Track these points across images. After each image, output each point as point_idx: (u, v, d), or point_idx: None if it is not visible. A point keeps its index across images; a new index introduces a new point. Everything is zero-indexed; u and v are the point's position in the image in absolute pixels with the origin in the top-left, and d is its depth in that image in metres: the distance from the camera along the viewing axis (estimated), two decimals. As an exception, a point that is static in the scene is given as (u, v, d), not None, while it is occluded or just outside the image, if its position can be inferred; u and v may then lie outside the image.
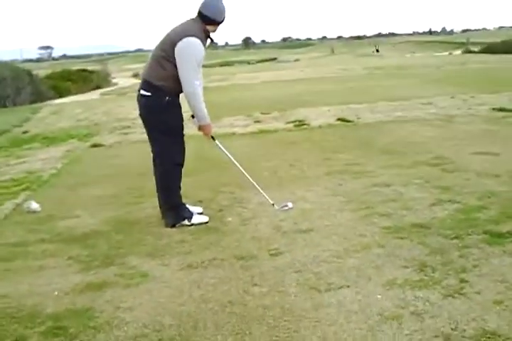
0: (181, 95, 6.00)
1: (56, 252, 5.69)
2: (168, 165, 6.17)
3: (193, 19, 6.01)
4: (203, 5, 5.92)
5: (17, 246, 5.97)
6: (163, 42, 5.98)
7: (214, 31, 6.07)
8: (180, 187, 6.34)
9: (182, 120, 6.16)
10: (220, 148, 6.53)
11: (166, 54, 5.87)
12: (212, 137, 6.40)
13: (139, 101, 6.16)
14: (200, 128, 6.22)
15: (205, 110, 6.04)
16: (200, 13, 5.92)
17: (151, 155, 6.31)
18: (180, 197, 6.34)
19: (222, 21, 6.05)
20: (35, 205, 7.30)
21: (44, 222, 6.81)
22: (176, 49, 5.76)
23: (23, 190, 8.52)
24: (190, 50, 5.78)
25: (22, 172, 10.00)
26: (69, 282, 4.89)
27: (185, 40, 5.75)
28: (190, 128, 6.42)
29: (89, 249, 5.68)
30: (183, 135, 6.20)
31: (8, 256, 5.69)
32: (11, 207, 7.58)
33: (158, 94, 5.94)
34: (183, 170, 6.28)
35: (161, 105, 5.95)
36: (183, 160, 6.24)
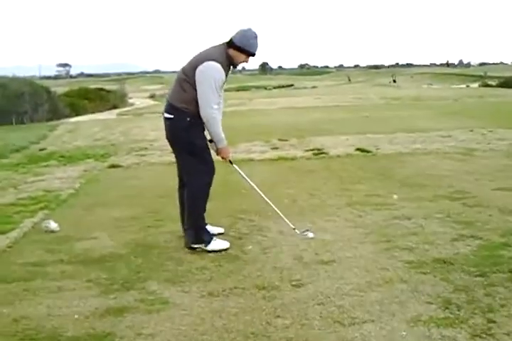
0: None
1: (75, 274, 5.65)
2: (196, 185, 6.20)
3: (219, 45, 6.09)
4: (239, 36, 6.03)
5: (35, 266, 5.93)
6: (186, 65, 6.08)
7: (245, 62, 6.15)
8: (205, 209, 6.33)
9: (206, 141, 6.18)
10: (239, 172, 6.53)
11: (187, 77, 5.95)
12: (230, 161, 6.40)
13: (164, 123, 6.20)
14: (218, 152, 6.23)
15: (223, 133, 6.06)
16: (232, 42, 5.98)
17: (177, 178, 6.33)
18: (203, 218, 6.33)
19: (254, 55, 6.13)
20: (53, 225, 7.28)
21: (62, 242, 6.77)
22: (197, 72, 5.84)
23: (41, 208, 8.49)
24: (209, 74, 5.83)
25: (40, 190, 9.98)
26: (88, 305, 4.85)
27: (205, 63, 5.82)
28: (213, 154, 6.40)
29: (108, 272, 5.63)
30: (210, 155, 6.22)
31: (26, 275, 5.65)
32: (30, 226, 7.54)
33: (180, 116, 6.01)
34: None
35: (184, 126, 6.01)
36: (211, 181, 6.26)
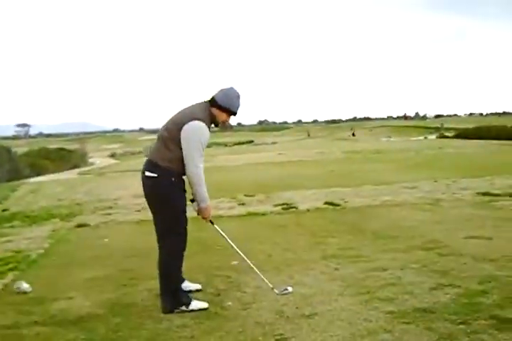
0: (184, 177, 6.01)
1: (51, 335, 5.50)
2: (170, 250, 6.11)
3: (201, 103, 6.12)
4: (222, 95, 6.08)
5: (8, 329, 5.78)
6: (169, 124, 6.06)
7: (225, 121, 6.19)
8: (180, 270, 6.26)
9: (185, 204, 6.13)
10: (218, 231, 6.49)
11: (171, 136, 5.92)
12: (211, 221, 6.37)
13: (143, 182, 6.13)
14: (199, 211, 6.19)
15: (206, 193, 6.03)
16: (214, 101, 6.03)
17: (154, 236, 6.28)
18: (179, 281, 6.25)
19: (235, 114, 6.18)
20: (25, 285, 7.13)
21: (36, 303, 6.61)
22: (182, 131, 5.82)
23: (11, 269, 8.32)
24: (196, 134, 5.83)
25: (8, 251, 9.80)
26: (68, 368, 4.74)
27: (191, 123, 5.82)
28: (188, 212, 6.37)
29: (86, 333, 5.50)
30: (186, 220, 6.17)
31: (0, 339, 5.50)
32: (0, 288, 7.39)
33: (164, 175, 5.95)
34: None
35: (168, 185, 5.96)
36: (185, 247, 6.20)
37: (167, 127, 6.05)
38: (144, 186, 6.13)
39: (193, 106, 6.12)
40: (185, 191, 6.11)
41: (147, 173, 6.03)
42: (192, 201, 6.12)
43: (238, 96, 6.15)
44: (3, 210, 16.80)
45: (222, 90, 6.12)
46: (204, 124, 5.86)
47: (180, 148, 5.82)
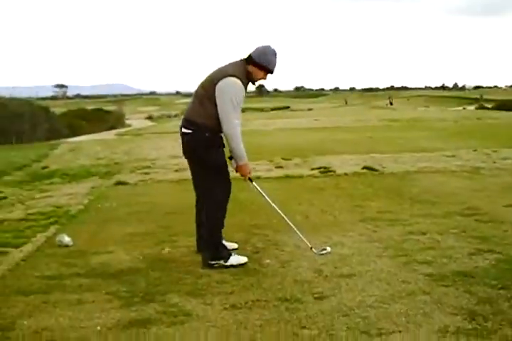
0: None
1: (93, 287, 5.59)
2: (213, 201, 6.16)
3: (238, 61, 6.09)
4: (259, 52, 6.05)
5: (52, 279, 5.88)
6: (205, 81, 6.06)
7: (263, 79, 6.15)
8: (223, 225, 6.30)
9: (224, 158, 6.13)
10: (257, 189, 6.50)
11: (206, 92, 5.93)
12: (250, 179, 6.37)
13: (181, 138, 6.17)
14: (237, 169, 6.20)
15: (244, 150, 6.03)
16: (251, 58, 5.99)
17: (193, 194, 6.32)
18: (221, 234, 6.29)
19: (272, 72, 6.13)
20: (67, 239, 7.23)
21: (77, 256, 6.71)
22: (217, 88, 5.82)
23: (52, 223, 8.46)
24: (229, 90, 5.82)
25: (49, 206, 9.95)
26: (111, 317, 4.79)
27: (226, 79, 5.81)
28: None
29: (127, 285, 5.58)
30: (227, 172, 6.18)
31: (44, 288, 5.60)
32: (43, 240, 7.52)
33: (198, 131, 5.98)
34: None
35: (202, 141, 6.00)
36: (228, 198, 6.25)
37: (203, 84, 6.06)
38: (182, 142, 6.18)
39: (229, 63, 6.10)
40: (223, 146, 6.11)
41: (183, 129, 6.09)
42: (230, 158, 6.12)
43: (275, 54, 6.11)
44: (43, 168, 17.00)
45: (259, 48, 6.09)
46: (239, 81, 5.84)
47: (216, 105, 5.83)
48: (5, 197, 11.17)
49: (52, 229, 8.11)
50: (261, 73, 6.10)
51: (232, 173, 6.29)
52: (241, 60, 6.10)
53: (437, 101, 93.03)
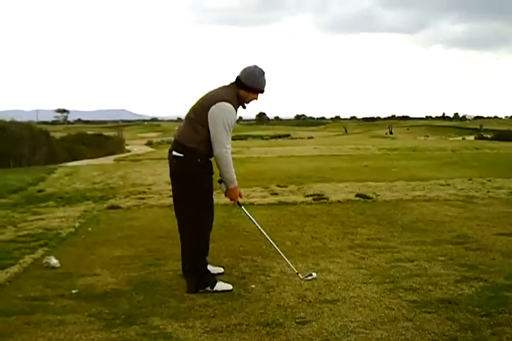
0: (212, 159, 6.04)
1: (76, 308, 5.58)
2: (196, 230, 6.15)
3: (228, 85, 6.13)
4: (247, 74, 6.08)
5: (36, 300, 5.88)
6: (196, 105, 6.09)
7: (254, 99, 6.18)
8: (207, 253, 6.30)
9: (212, 185, 6.15)
10: (246, 213, 6.51)
11: (198, 117, 5.95)
12: (239, 203, 6.39)
13: (170, 161, 6.17)
14: (227, 193, 6.21)
15: (234, 174, 6.04)
16: (240, 81, 6.02)
17: (176, 220, 6.32)
18: (206, 262, 6.28)
19: (263, 92, 6.16)
20: (54, 261, 7.23)
21: (63, 278, 6.70)
22: (209, 113, 5.84)
23: (41, 245, 8.42)
24: (222, 114, 5.85)
25: (40, 228, 9.89)
26: (91, 339, 4.80)
27: (218, 104, 5.84)
28: (216, 197, 6.37)
29: (110, 307, 5.57)
30: (212, 200, 6.20)
31: (27, 309, 5.59)
32: (30, 261, 7.49)
33: (190, 156, 5.98)
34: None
35: (193, 166, 5.99)
36: (211, 226, 6.26)
37: (194, 109, 6.09)
38: (170, 164, 6.19)
39: (220, 87, 6.14)
40: (212, 173, 6.12)
41: (174, 152, 6.08)
42: (220, 182, 6.14)
43: (263, 74, 6.14)
44: (39, 191, 16.97)
45: (246, 70, 6.11)
46: (230, 105, 5.88)
47: (208, 130, 5.85)
48: (-3, 219, 11.14)
49: (41, 251, 8.07)
50: (252, 94, 6.14)
51: (224, 199, 6.30)
52: (231, 84, 6.14)
53: (437, 130, 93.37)
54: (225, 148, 5.86)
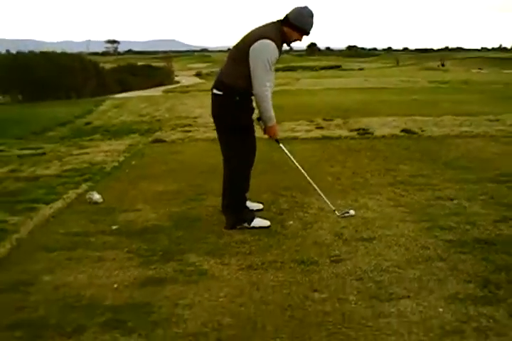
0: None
1: (116, 244, 5.73)
2: (236, 165, 6.19)
3: (274, 22, 6.04)
4: (295, 13, 5.96)
5: (78, 236, 6.05)
6: (240, 42, 6.03)
7: (298, 40, 6.09)
8: (247, 189, 6.37)
9: (252, 121, 6.15)
10: (284, 151, 6.51)
11: (240, 54, 5.88)
12: (277, 140, 6.38)
13: (212, 99, 6.17)
14: (265, 130, 6.20)
15: (273, 112, 6.01)
16: (287, 19, 5.93)
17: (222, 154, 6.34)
18: (245, 198, 6.34)
19: (308, 34, 6.07)
20: (97, 196, 7.37)
21: (105, 213, 6.86)
22: (251, 50, 5.77)
23: (85, 180, 8.59)
24: (263, 52, 5.76)
25: (84, 162, 10.11)
26: (128, 275, 4.92)
27: (260, 41, 5.75)
28: (256, 131, 6.36)
29: (149, 243, 5.71)
30: (253, 136, 6.20)
31: (68, 245, 5.76)
32: (73, 197, 7.67)
33: (229, 93, 5.95)
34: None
35: (231, 104, 5.96)
36: (252, 162, 6.27)
37: (237, 45, 6.03)
38: (212, 102, 6.17)
39: (265, 25, 6.04)
40: (252, 110, 6.11)
41: (214, 91, 6.07)
42: (258, 120, 6.13)
43: (312, 15, 6.01)
44: (86, 124, 17.19)
45: (295, 8, 6.00)
46: (273, 43, 5.78)
47: (249, 67, 5.79)
48: (44, 153, 11.35)
49: (85, 186, 8.24)
50: (296, 34, 6.03)
51: (262, 135, 6.30)
52: (277, 21, 6.04)
53: (492, 63, 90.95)
54: (264, 86, 5.81)
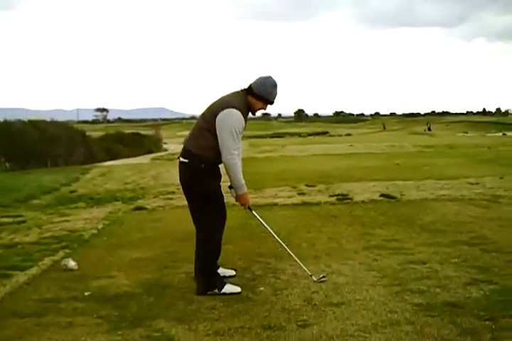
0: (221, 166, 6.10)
1: (86, 310, 5.72)
2: (207, 232, 6.24)
3: (238, 92, 6.18)
4: (258, 84, 6.13)
5: (49, 302, 6.03)
6: (206, 112, 6.15)
7: (262, 109, 6.23)
8: (217, 255, 6.41)
9: (219, 187, 6.23)
10: (257, 218, 6.56)
11: (207, 124, 6.01)
12: (249, 208, 6.43)
13: (179, 167, 6.26)
14: (237, 198, 6.27)
15: (243, 180, 6.08)
16: (251, 90, 6.08)
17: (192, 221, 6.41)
18: (215, 265, 6.38)
19: (272, 103, 6.21)
20: (72, 263, 7.39)
21: (79, 280, 6.86)
22: (217, 120, 5.89)
23: (63, 247, 8.60)
24: (230, 121, 5.89)
25: (64, 230, 10.14)
26: (95, 341, 4.91)
27: (226, 111, 5.88)
28: (231, 197, 6.43)
29: (119, 310, 5.69)
30: (222, 201, 6.27)
31: (40, 311, 5.74)
32: (49, 264, 7.68)
33: (195, 162, 6.05)
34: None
35: (198, 172, 6.05)
36: (223, 227, 6.32)
37: (204, 115, 6.15)
38: (179, 171, 6.27)
39: (230, 93, 6.18)
40: (220, 176, 6.21)
41: (181, 159, 6.18)
42: (230, 188, 6.20)
43: (275, 86, 6.16)
44: (71, 192, 17.27)
45: (259, 79, 6.15)
46: (239, 112, 5.90)
47: (216, 136, 5.90)
48: (24, 221, 11.41)
49: (62, 253, 8.26)
50: (260, 104, 6.17)
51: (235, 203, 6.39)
52: (242, 91, 6.18)
53: (478, 126, 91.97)
54: (231, 154, 5.89)
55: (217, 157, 5.95)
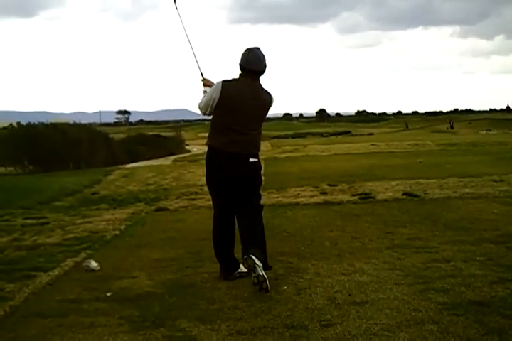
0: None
1: (108, 311, 5.72)
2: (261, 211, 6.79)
3: (245, 77, 6.56)
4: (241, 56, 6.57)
5: (72, 303, 6.05)
6: (253, 103, 6.46)
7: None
8: (223, 248, 6.85)
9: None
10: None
11: (261, 118, 6.72)
12: None
13: (245, 167, 6.50)
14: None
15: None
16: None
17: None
18: (221, 255, 6.86)
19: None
20: (94, 264, 7.40)
21: (101, 280, 6.87)
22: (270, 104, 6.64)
23: (85, 248, 8.63)
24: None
25: (86, 231, 10.20)
26: (117, 341, 4.90)
27: (271, 95, 6.65)
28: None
29: (141, 310, 5.68)
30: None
31: (62, 311, 5.76)
32: (71, 265, 7.70)
33: (258, 159, 6.61)
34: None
35: (260, 168, 6.74)
36: (226, 222, 6.92)
37: (252, 107, 6.53)
38: (246, 170, 6.53)
39: (253, 81, 6.57)
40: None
41: (251, 159, 6.50)
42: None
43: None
44: (93, 193, 17.32)
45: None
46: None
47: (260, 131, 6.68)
48: (47, 223, 11.45)
49: (83, 254, 8.27)
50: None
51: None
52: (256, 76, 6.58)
53: (501, 124, 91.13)
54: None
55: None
